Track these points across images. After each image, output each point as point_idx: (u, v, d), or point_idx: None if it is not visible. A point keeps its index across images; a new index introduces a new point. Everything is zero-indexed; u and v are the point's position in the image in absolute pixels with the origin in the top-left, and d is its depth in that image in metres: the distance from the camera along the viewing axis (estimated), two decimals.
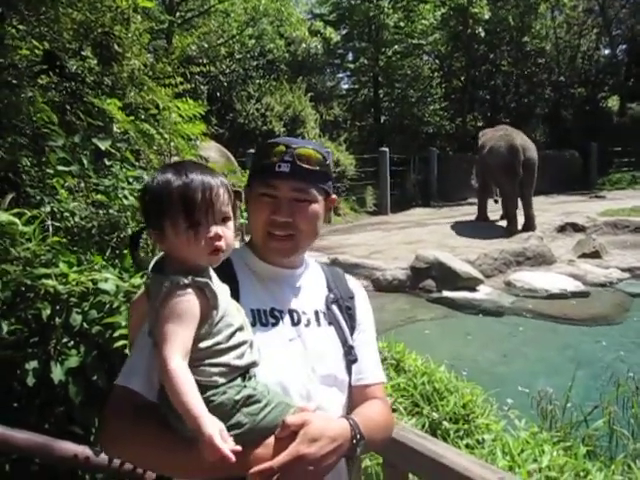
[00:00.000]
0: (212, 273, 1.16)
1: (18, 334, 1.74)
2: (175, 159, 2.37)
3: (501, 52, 23.00)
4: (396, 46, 20.29)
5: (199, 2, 15.37)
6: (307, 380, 1.24)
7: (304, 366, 1.25)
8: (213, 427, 0.97)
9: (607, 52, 26.01)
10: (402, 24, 19.86)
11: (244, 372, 1.11)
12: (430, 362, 3.09)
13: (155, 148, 2.31)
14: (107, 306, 1.60)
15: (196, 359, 1.06)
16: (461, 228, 12.58)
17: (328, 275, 1.45)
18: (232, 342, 1.11)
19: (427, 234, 12.25)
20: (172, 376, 1.00)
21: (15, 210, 1.99)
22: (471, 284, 8.98)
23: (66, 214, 2.52)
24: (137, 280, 1.72)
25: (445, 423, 2.49)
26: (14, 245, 1.82)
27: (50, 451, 1.39)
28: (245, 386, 1.09)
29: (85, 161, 2.70)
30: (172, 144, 2.21)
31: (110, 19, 3.77)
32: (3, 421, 1.51)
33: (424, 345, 5.94)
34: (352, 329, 1.38)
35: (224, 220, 1.13)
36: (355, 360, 1.34)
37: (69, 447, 1.52)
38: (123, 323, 1.51)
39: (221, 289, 1.15)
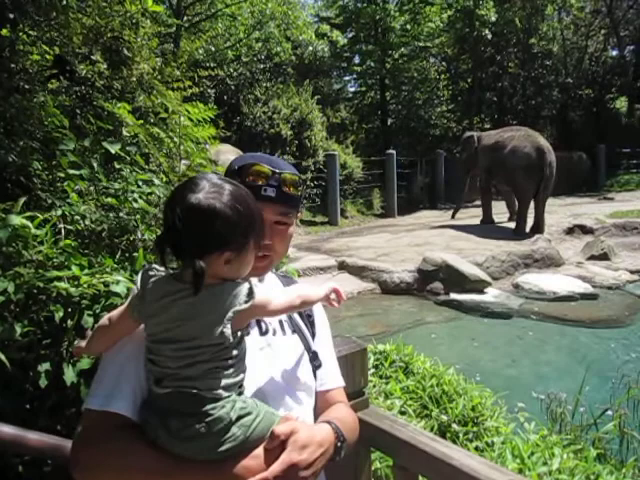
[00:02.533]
0: None
1: (31, 336, 1.75)
2: (185, 163, 2.39)
3: (508, 54, 22.96)
4: (402, 49, 20.32)
5: (206, 6, 15.45)
6: (282, 388, 1.28)
7: (277, 374, 1.28)
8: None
9: (615, 53, 25.90)
10: (408, 27, 19.89)
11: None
12: (439, 365, 3.09)
13: (165, 152, 2.33)
14: None
15: (216, 368, 1.09)
16: (469, 230, 12.56)
17: (285, 284, 1.49)
18: (242, 353, 1.15)
19: (434, 236, 12.22)
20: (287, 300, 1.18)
21: (27, 214, 2.01)
22: (479, 286, 8.96)
23: (77, 217, 2.53)
24: None
25: (454, 425, 2.49)
26: (27, 248, 1.83)
27: (63, 452, 1.40)
28: (238, 399, 1.12)
29: (95, 164, 2.71)
30: (182, 147, 2.22)
31: (119, 24, 3.80)
32: (16, 422, 1.53)
33: (432, 348, 5.93)
34: (313, 336, 1.44)
35: None
36: (320, 366, 1.40)
37: None
38: None
39: None
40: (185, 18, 14.24)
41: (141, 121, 2.43)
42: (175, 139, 2.23)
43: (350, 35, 20.35)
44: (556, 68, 23.55)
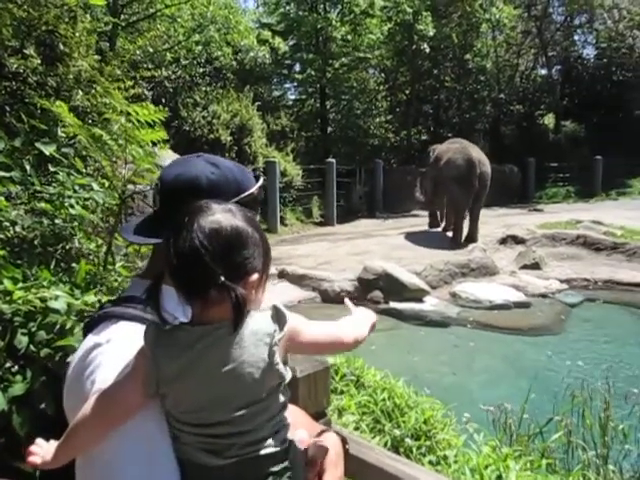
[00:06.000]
0: None
1: None
2: (130, 167, 2.24)
3: (444, 68, 23.64)
4: (343, 59, 20.48)
5: (144, 6, 15.00)
6: None
7: None
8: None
9: (544, 72, 27.20)
10: (349, 37, 20.09)
11: None
12: (390, 377, 3.05)
13: (107, 155, 2.16)
14: (57, 327, 1.45)
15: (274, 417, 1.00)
16: (407, 239, 12.75)
17: None
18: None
19: (374, 245, 12.32)
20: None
21: None
22: (418, 295, 9.08)
23: (6, 224, 2.32)
24: (91, 297, 1.57)
25: (407, 440, 2.45)
26: None
27: None
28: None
29: (27, 166, 2.51)
30: (127, 151, 2.07)
31: (55, 17, 3.57)
32: None
33: (373, 358, 5.90)
34: None
35: None
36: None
37: None
38: (78, 346, 1.37)
39: None
40: (122, 17, 13.76)
41: (80, 122, 2.26)
42: (120, 141, 2.08)
43: (291, 43, 20.34)
44: (489, 84, 24.44)
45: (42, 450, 0.98)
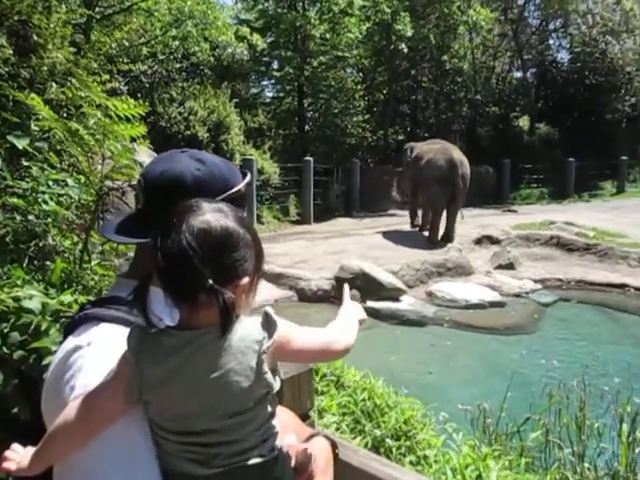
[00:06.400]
0: None
1: None
2: (108, 163, 2.18)
3: (422, 69, 23.76)
4: (321, 57, 20.44)
5: None
6: None
7: None
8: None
9: (519, 75, 27.57)
10: (328, 36, 20.05)
11: None
12: (370, 377, 3.04)
13: (85, 150, 2.10)
14: (32, 328, 1.38)
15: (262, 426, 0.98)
16: (384, 239, 12.78)
17: None
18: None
19: (351, 244, 12.33)
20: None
21: None
22: (395, 294, 9.11)
23: None
24: (67, 297, 1.51)
25: (388, 440, 2.44)
26: None
27: None
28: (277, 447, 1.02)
29: None
30: (105, 146, 2.01)
31: (28, 6, 3.47)
32: None
33: (350, 357, 5.89)
34: None
35: None
36: None
37: None
38: (54, 348, 1.31)
39: None
40: (97, 9, 13.50)
41: (55, 115, 2.18)
42: (98, 136, 2.01)
43: (270, 40, 20.21)
44: (466, 85, 24.65)
45: (18, 456, 0.93)
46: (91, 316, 1.02)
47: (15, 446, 0.95)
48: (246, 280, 0.93)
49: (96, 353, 0.95)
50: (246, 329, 0.91)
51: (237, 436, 0.89)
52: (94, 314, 1.02)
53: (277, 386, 0.94)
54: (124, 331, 0.93)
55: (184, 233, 0.87)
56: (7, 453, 0.94)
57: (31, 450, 0.93)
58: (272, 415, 0.96)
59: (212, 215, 0.91)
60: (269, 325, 0.94)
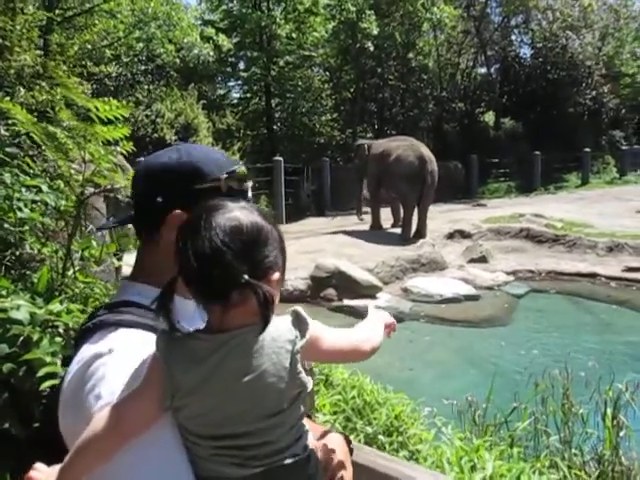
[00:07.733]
0: None
1: None
2: (88, 167, 2.11)
3: (388, 67, 23.89)
4: (288, 57, 20.41)
5: (81, 0, 14.45)
6: None
7: None
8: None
9: (483, 71, 27.98)
10: (294, 35, 20.03)
11: None
12: (358, 374, 3.04)
13: (63, 153, 2.03)
14: (21, 339, 1.33)
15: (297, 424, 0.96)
16: (357, 237, 12.80)
17: None
18: None
19: (324, 243, 12.31)
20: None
21: None
22: (371, 292, 9.14)
23: None
24: (56, 306, 1.46)
25: (380, 437, 2.44)
26: None
27: None
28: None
29: None
30: (85, 149, 1.95)
31: None
32: None
33: None
34: None
35: None
36: None
37: None
38: (48, 359, 1.26)
39: None
40: (57, 11, 13.20)
41: (32, 118, 2.11)
42: (77, 139, 1.95)
43: (235, 40, 20.08)
44: (432, 82, 24.92)
45: (43, 475, 0.88)
46: (108, 322, 0.98)
47: (38, 465, 0.89)
48: (277, 275, 0.92)
49: (120, 360, 0.91)
50: (278, 329, 0.89)
51: (272, 437, 0.87)
52: (108, 320, 0.98)
53: (310, 385, 0.92)
54: (143, 335, 0.90)
55: (215, 230, 0.85)
56: (31, 474, 0.87)
57: (57, 468, 0.87)
58: (303, 415, 0.95)
59: (241, 212, 0.90)
60: (300, 324, 0.92)
